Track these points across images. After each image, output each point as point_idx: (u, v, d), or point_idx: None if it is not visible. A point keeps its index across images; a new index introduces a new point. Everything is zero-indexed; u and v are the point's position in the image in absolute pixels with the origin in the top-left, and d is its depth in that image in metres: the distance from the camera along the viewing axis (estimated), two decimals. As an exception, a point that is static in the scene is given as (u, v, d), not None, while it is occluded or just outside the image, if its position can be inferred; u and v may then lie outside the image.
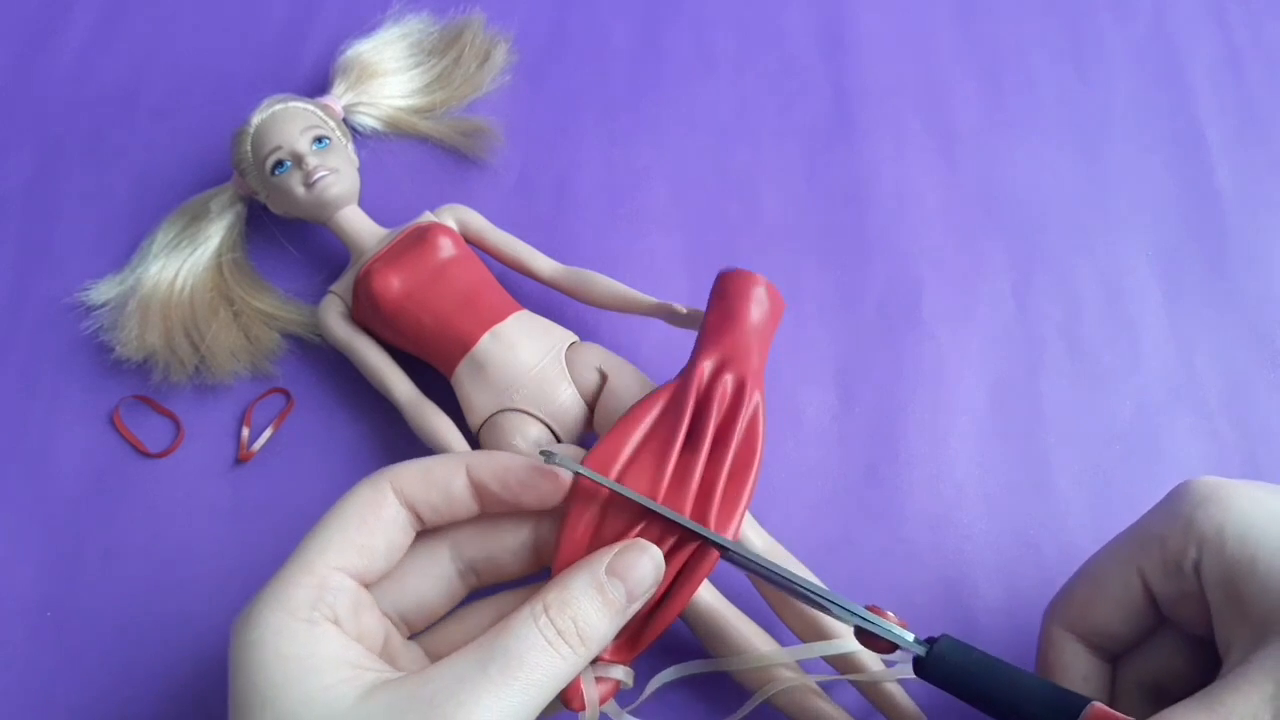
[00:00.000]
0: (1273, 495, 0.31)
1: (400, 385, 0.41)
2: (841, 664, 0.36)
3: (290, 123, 0.43)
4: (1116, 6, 0.52)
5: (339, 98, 0.47)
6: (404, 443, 0.42)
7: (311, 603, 0.29)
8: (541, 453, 0.33)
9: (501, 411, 0.39)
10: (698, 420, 0.35)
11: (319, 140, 0.43)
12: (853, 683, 0.36)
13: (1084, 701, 0.29)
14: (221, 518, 0.42)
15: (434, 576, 0.33)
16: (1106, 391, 0.44)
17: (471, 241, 0.44)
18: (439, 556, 0.33)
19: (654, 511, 0.33)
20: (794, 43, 0.52)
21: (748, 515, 0.38)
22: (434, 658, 0.29)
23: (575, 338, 0.41)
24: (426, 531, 0.33)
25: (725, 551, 0.33)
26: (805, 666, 0.37)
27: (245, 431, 0.43)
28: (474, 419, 0.40)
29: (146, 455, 0.43)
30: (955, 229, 0.47)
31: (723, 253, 0.46)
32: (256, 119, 0.43)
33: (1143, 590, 0.32)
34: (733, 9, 0.53)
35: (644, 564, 0.31)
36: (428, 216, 0.44)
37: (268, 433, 0.43)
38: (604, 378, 0.40)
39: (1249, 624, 0.29)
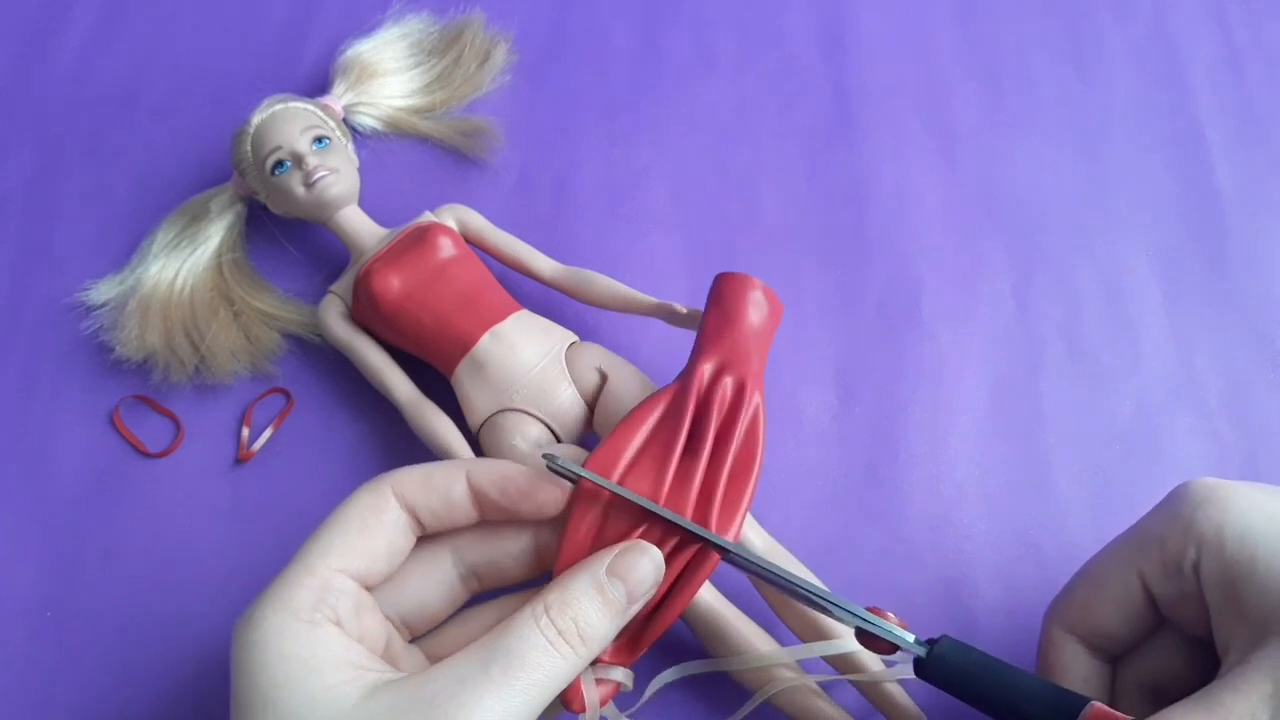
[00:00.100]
0: (1272, 497, 0.31)
1: (400, 385, 0.41)
2: (841, 664, 0.36)
3: (290, 123, 0.43)
4: (1116, 6, 0.52)
5: (339, 98, 0.47)
6: (404, 443, 0.42)
7: (313, 604, 0.29)
8: (544, 455, 0.33)
9: (501, 411, 0.39)
10: (698, 423, 0.35)
11: (319, 140, 0.43)
12: (853, 683, 0.36)
13: (1084, 701, 0.29)
14: (221, 518, 0.42)
15: (435, 580, 0.33)
16: (1106, 391, 0.44)
17: (471, 241, 0.44)
18: (441, 561, 0.34)
19: (655, 514, 0.33)
20: (794, 43, 0.52)
21: (748, 516, 0.38)
22: (435, 661, 0.29)
23: (575, 338, 0.41)
24: (428, 536, 0.33)
25: (726, 553, 0.33)
26: (805, 666, 0.37)
27: (245, 431, 0.43)
28: (474, 419, 0.40)
29: (146, 455, 0.43)
30: (955, 229, 0.47)
31: (723, 253, 0.46)
32: (256, 119, 0.43)
33: (1142, 591, 0.32)
34: (733, 9, 0.53)
35: (644, 565, 0.32)
36: (428, 216, 0.44)
37: (268, 433, 0.43)
38: (604, 378, 0.40)
39: (1247, 624, 0.29)
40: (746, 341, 0.37)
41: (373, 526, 0.31)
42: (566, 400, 0.39)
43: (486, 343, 0.40)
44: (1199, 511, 0.31)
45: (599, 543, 0.33)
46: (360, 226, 0.43)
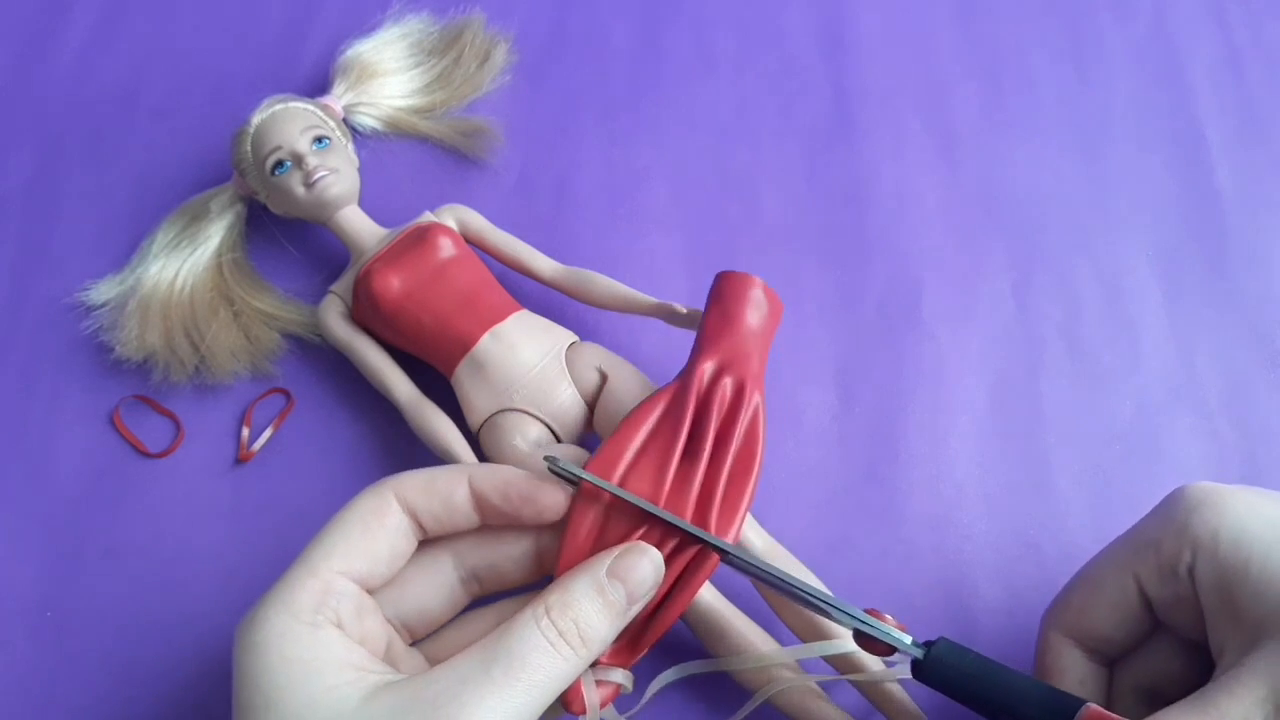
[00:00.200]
0: (1267, 500, 0.31)
1: (400, 385, 0.41)
2: (841, 664, 0.36)
3: (290, 123, 0.43)
4: (1116, 6, 0.52)
5: (339, 98, 0.47)
6: (404, 443, 0.42)
7: (315, 606, 0.30)
8: (545, 458, 0.34)
9: (501, 411, 0.39)
10: (698, 424, 0.35)
11: (319, 140, 0.43)
12: (853, 683, 0.36)
13: (1079, 703, 0.29)
14: (221, 518, 0.42)
15: (436, 584, 0.34)
16: (1106, 391, 0.44)
17: (471, 241, 0.44)
18: (441, 564, 0.34)
19: (655, 516, 0.33)
20: (794, 43, 0.52)
21: (748, 517, 0.38)
22: (435, 664, 0.30)
23: (575, 338, 0.41)
24: (429, 539, 0.33)
25: (725, 555, 0.33)
26: (805, 666, 0.37)
27: (245, 431, 0.43)
28: (474, 419, 0.40)
29: (146, 455, 0.43)
30: (955, 229, 0.47)
31: (723, 253, 0.46)
32: (256, 119, 0.43)
33: (1138, 595, 0.32)
34: (733, 9, 0.53)
35: (644, 566, 0.32)
36: (428, 216, 0.44)
37: (268, 433, 0.43)
38: (604, 378, 0.40)
39: (1242, 627, 0.29)
40: (746, 341, 0.37)
41: (375, 530, 0.31)
42: (566, 400, 0.39)
43: (486, 343, 0.40)
44: (1194, 515, 0.31)
45: (599, 544, 0.33)
46: (360, 226, 0.43)
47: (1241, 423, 0.43)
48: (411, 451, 0.42)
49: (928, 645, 0.32)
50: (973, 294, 0.46)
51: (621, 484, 0.34)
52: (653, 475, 0.34)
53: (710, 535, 0.33)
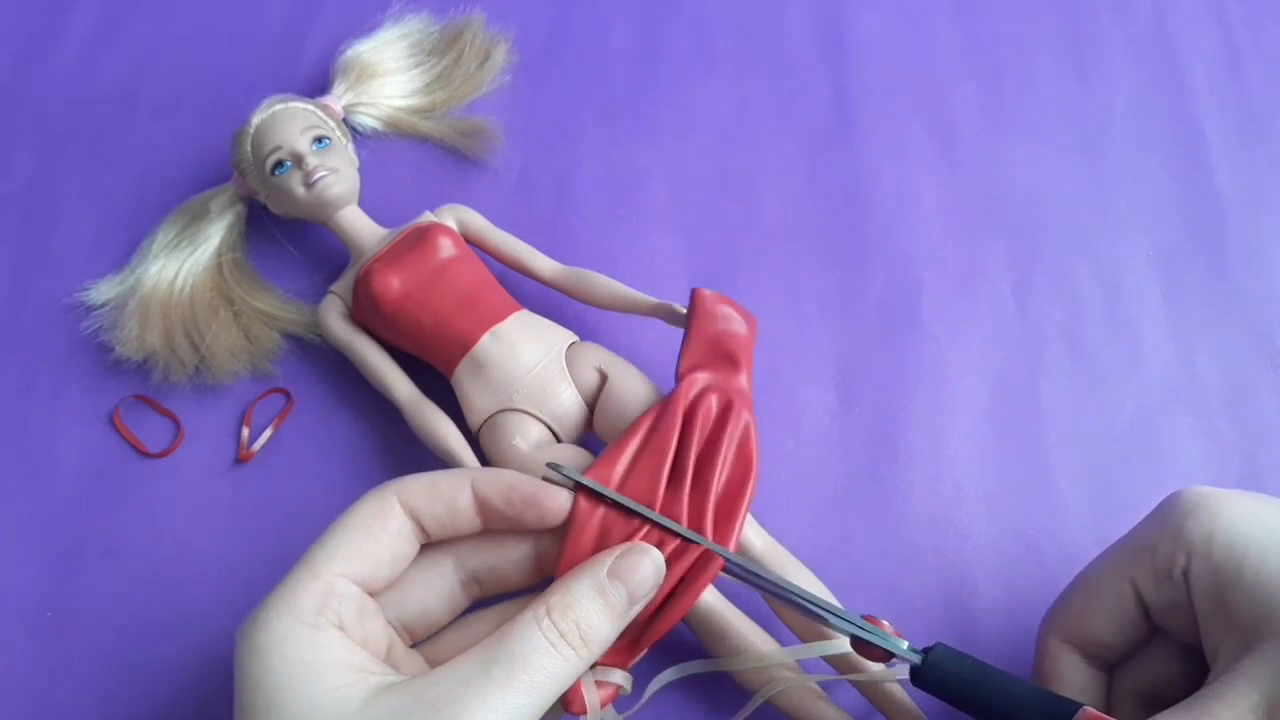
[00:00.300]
0: (1261, 504, 0.31)
1: (400, 385, 0.41)
2: (841, 664, 0.36)
3: (290, 123, 0.43)
4: (1116, 6, 0.52)
5: (339, 98, 0.47)
6: (404, 443, 0.42)
7: (317, 608, 0.30)
8: (548, 465, 0.34)
9: (501, 411, 0.39)
10: (683, 446, 0.36)
11: (319, 140, 0.43)
12: (853, 683, 0.36)
13: (1076, 707, 0.29)
14: (221, 518, 0.42)
15: (437, 586, 0.34)
16: (1106, 391, 0.44)
17: (472, 241, 0.44)
18: (442, 566, 0.34)
19: (655, 522, 0.33)
20: (794, 43, 0.52)
21: (749, 517, 0.38)
22: (435, 666, 0.30)
23: (575, 338, 0.41)
24: (431, 543, 0.33)
25: (727, 566, 0.33)
26: (805, 666, 0.37)
27: (245, 431, 0.43)
28: (474, 419, 0.40)
29: (146, 455, 0.43)
30: (955, 229, 0.47)
31: (723, 253, 0.46)
32: (256, 119, 0.43)
33: (1135, 600, 0.33)
34: (733, 9, 0.53)
35: (645, 567, 0.32)
36: (428, 216, 0.43)
37: (268, 433, 0.43)
38: (604, 378, 0.40)
39: (1236, 631, 0.29)
40: (725, 356, 0.38)
41: (377, 533, 0.31)
42: (566, 400, 0.39)
43: (486, 343, 0.40)
44: (1189, 519, 0.31)
45: (600, 548, 0.33)
46: (360, 226, 0.43)
47: (1241, 423, 0.43)
48: (412, 452, 0.42)
49: (925, 651, 0.32)
50: (973, 294, 0.46)
51: (619, 491, 0.34)
52: (645, 489, 0.35)
53: (708, 540, 0.33)
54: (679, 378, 0.38)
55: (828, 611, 0.33)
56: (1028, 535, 0.41)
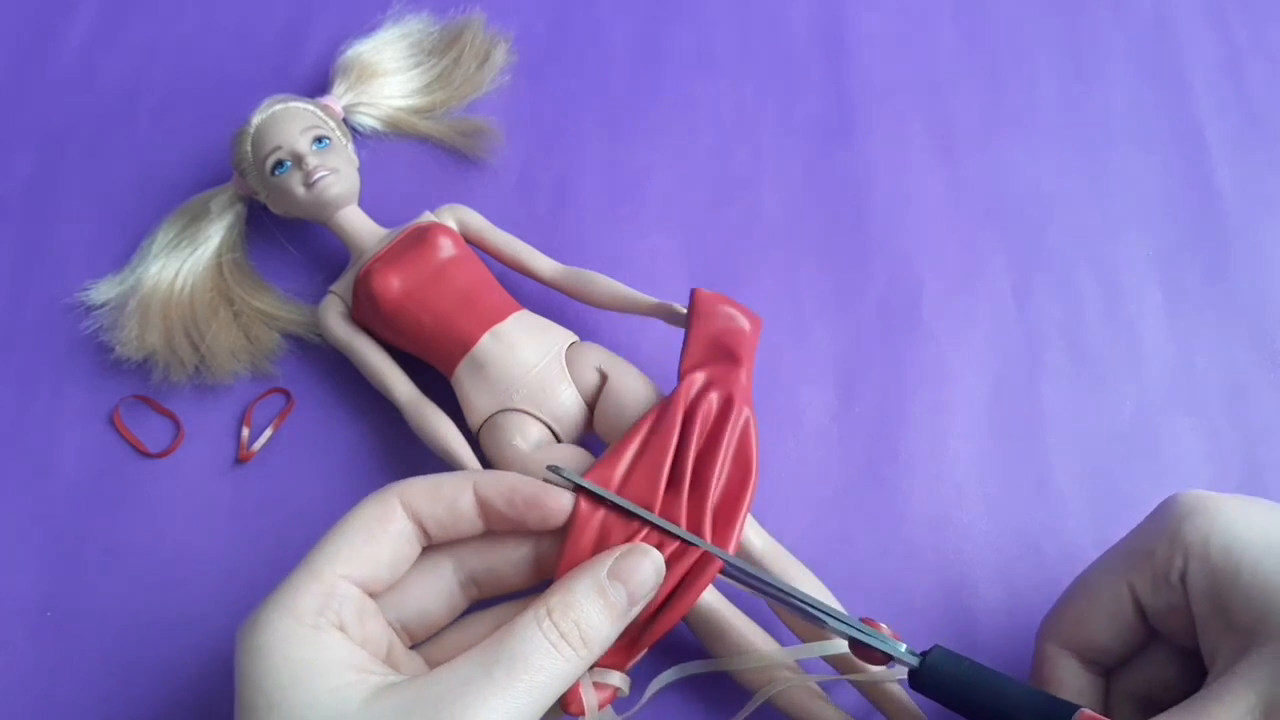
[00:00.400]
0: (1258, 507, 0.31)
1: (400, 385, 0.41)
2: (841, 664, 0.36)
3: (290, 123, 0.43)
4: (1116, 6, 0.52)
5: (339, 98, 0.47)
6: (404, 443, 0.42)
7: (318, 609, 0.30)
8: (549, 468, 0.34)
9: (501, 411, 0.39)
10: (684, 442, 0.36)
11: (319, 140, 0.43)
12: (853, 683, 0.36)
13: (1073, 709, 0.29)
14: (221, 518, 0.42)
15: (436, 588, 0.34)
16: (1106, 391, 0.44)
17: (471, 241, 0.44)
18: (441, 568, 0.34)
19: (655, 524, 0.33)
20: (794, 43, 0.52)
21: (748, 517, 0.38)
22: (435, 667, 0.30)
23: (575, 338, 0.41)
24: (433, 545, 0.33)
25: (725, 568, 0.33)
26: (805, 666, 0.37)
27: (245, 431, 0.43)
28: (474, 419, 0.40)
29: (146, 455, 0.43)
30: (955, 229, 0.47)
31: (723, 253, 0.46)
32: (256, 119, 0.43)
33: (1133, 604, 0.33)
34: (733, 9, 0.53)
35: (645, 568, 0.32)
36: (428, 216, 0.43)
37: (268, 433, 0.43)
38: (604, 378, 0.40)
39: (1233, 634, 0.29)
40: (726, 354, 0.38)
41: (379, 535, 0.32)
42: (566, 400, 0.39)
43: (486, 343, 0.40)
44: (1186, 522, 0.31)
45: (600, 550, 0.33)
46: (360, 226, 0.43)
47: (1241, 423, 0.43)
48: (411, 451, 0.42)
49: (923, 654, 0.32)
50: (973, 294, 0.46)
51: (619, 492, 0.35)
52: (645, 489, 0.35)
53: (707, 543, 0.33)
54: (681, 378, 0.38)
55: (825, 614, 0.33)
56: (1028, 535, 0.41)
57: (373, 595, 0.32)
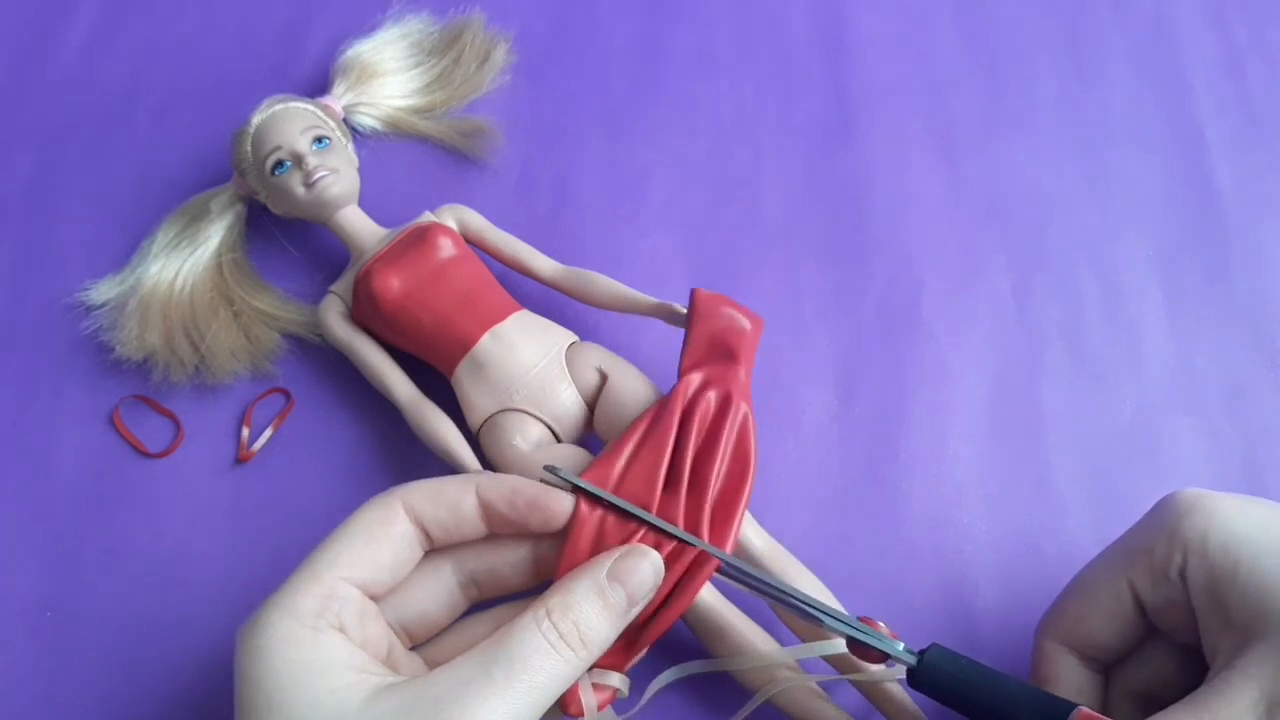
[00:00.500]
0: (1255, 505, 0.31)
1: (400, 385, 0.41)
2: (841, 664, 0.36)
3: (290, 123, 0.43)
4: (1116, 6, 0.52)
5: (339, 98, 0.47)
6: (404, 443, 0.42)
7: (318, 610, 0.30)
8: (545, 467, 0.34)
9: (502, 411, 0.39)
10: (682, 440, 0.36)
11: (319, 140, 0.43)
12: (853, 683, 0.36)
13: (1071, 707, 0.29)
14: (221, 518, 0.42)
15: (436, 589, 0.34)
16: (1106, 391, 0.44)
17: (471, 241, 0.44)
18: (441, 569, 0.34)
19: (652, 524, 0.33)
20: (794, 43, 0.52)
21: (748, 517, 0.38)
22: (434, 668, 0.30)
23: (575, 338, 0.41)
24: (435, 549, 0.34)
25: (722, 568, 0.33)
26: (805, 666, 0.37)
27: (245, 431, 0.43)
28: (474, 419, 0.40)
29: (146, 455, 0.43)
30: (955, 229, 0.47)
31: (723, 253, 0.46)
32: (256, 119, 0.43)
33: (1132, 600, 0.33)
34: (733, 9, 0.53)
35: (644, 569, 0.32)
36: (428, 216, 0.43)
37: (268, 433, 0.43)
38: (604, 378, 0.40)
39: (1233, 629, 0.29)
40: (727, 356, 0.38)
41: (380, 539, 0.32)
42: (566, 400, 0.39)
43: (486, 343, 0.40)
44: (1185, 519, 0.31)
45: (599, 551, 0.33)
46: (360, 226, 0.43)
47: (1241, 423, 0.43)
48: (411, 451, 0.42)
49: (920, 653, 0.32)
50: (973, 294, 0.46)
51: (616, 490, 0.35)
52: (643, 488, 0.35)
53: (704, 542, 0.33)
54: (680, 377, 0.38)
55: (823, 613, 0.33)
56: (1028, 535, 0.41)
57: (373, 598, 0.32)
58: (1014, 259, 0.46)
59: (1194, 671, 0.32)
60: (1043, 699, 0.30)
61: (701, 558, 0.34)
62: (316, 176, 0.42)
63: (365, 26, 0.49)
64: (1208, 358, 0.44)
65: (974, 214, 0.47)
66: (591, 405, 0.40)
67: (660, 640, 0.34)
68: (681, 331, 0.40)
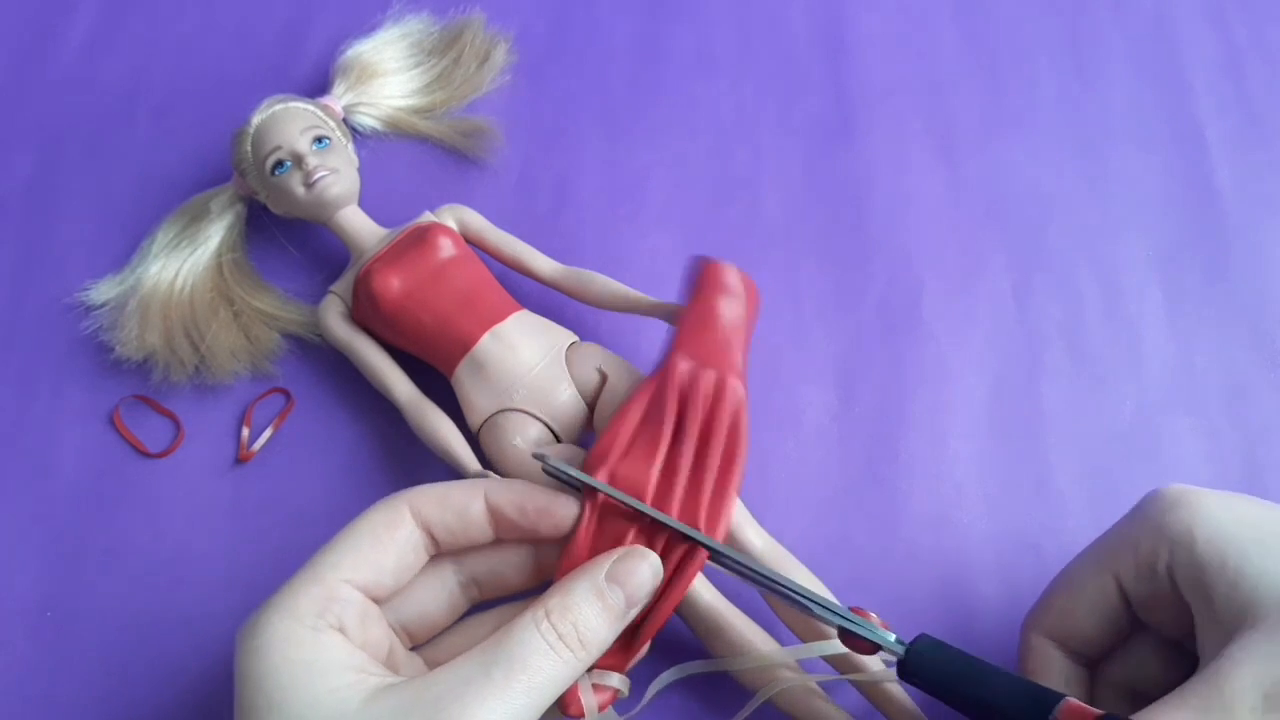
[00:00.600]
0: (1239, 500, 0.32)
1: (400, 385, 0.41)
2: (841, 664, 0.36)
3: (290, 123, 0.43)
4: (1116, 6, 0.52)
5: (339, 98, 0.47)
6: (404, 443, 0.42)
7: (318, 611, 0.30)
8: (534, 455, 0.34)
9: (502, 411, 0.39)
10: (681, 421, 0.35)
11: (319, 140, 0.43)
12: (853, 683, 0.36)
13: (1059, 697, 0.29)
14: (221, 518, 0.42)
15: (437, 589, 0.34)
16: (1106, 391, 0.44)
17: (471, 241, 0.44)
18: (442, 570, 0.34)
19: (644, 513, 0.33)
20: (794, 43, 0.52)
21: (748, 517, 0.38)
22: (434, 668, 0.30)
23: (575, 338, 0.41)
24: (440, 553, 0.34)
25: (715, 554, 0.33)
26: (805, 666, 0.37)
27: (245, 431, 0.43)
28: (474, 419, 0.40)
29: (146, 455, 0.43)
30: (955, 229, 0.47)
31: (723, 253, 0.46)
32: (256, 119, 0.43)
33: (1118, 594, 0.33)
34: (733, 9, 0.53)
35: (643, 570, 0.32)
36: (428, 216, 0.44)
37: (268, 433, 0.43)
38: (604, 378, 0.40)
39: (1220, 621, 0.30)
40: (725, 333, 0.37)
41: (385, 542, 0.32)
42: (566, 400, 0.39)
43: (487, 343, 0.40)
44: (1169, 514, 0.31)
45: (594, 542, 0.33)
46: (360, 226, 0.43)
47: (1241, 423, 0.43)
48: (411, 451, 0.42)
49: (909, 644, 0.32)
50: (973, 294, 0.46)
51: (611, 481, 0.34)
52: (639, 473, 0.34)
53: (699, 534, 0.33)
54: (671, 352, 0.37)
55: (814, 602, 0.33)
56: (1028, 535, 0.41)
57: (376, 601, 0.32)
58: (1014, 259, 0.46)
59: (1180, 666, 0.32)
60: (1032, 690, 0.30)
61: (693, 549, 0.33)
62: (316, 176, 0.42)
63: (365, 26, 0.49)
64: (1208, 358, 0.44)
65: (974, 214, 0.47)
66: (591, 405, 0.40)
67: (660, 640, 0.34)
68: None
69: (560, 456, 0.38)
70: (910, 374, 0.44)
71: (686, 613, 0.37)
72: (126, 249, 0.46)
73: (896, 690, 0.36)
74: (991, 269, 0.46)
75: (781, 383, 0.44)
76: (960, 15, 0.52)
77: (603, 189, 0.48)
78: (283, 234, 0.46)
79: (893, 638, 0.32)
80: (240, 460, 0.43)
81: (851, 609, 0.33)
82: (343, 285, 0.43)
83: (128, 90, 0.51)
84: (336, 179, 0.43)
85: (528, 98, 0.50)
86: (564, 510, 0.33)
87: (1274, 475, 0.42)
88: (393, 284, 0.40)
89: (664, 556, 0.33)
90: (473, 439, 0.40)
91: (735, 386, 0.36)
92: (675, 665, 0.36)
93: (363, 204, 0.44)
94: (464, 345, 0.40)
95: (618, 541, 0.33)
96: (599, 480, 0.34)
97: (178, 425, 0.43)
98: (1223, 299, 0.45)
